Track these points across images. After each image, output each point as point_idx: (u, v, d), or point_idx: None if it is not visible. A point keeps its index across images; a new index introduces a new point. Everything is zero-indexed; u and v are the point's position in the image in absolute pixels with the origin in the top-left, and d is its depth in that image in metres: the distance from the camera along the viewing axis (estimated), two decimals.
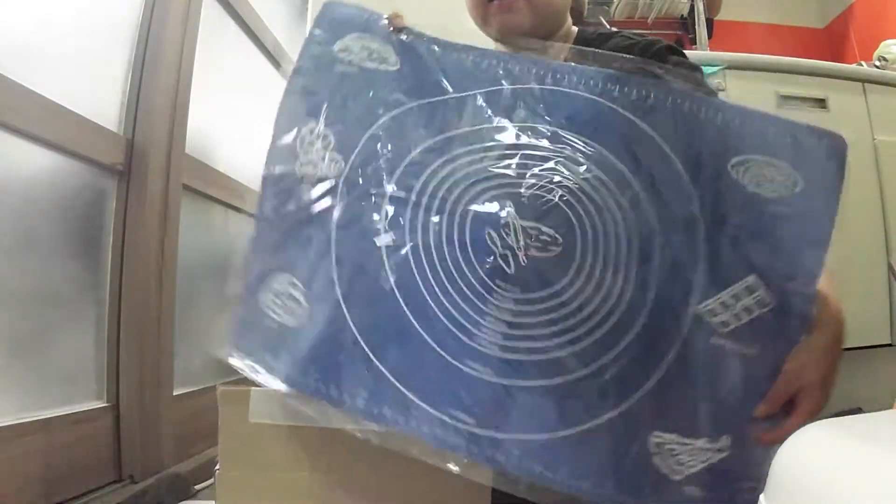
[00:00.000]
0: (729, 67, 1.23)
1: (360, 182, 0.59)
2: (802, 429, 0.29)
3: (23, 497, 0.75)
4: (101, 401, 0.94)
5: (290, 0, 1.82)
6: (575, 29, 0.78)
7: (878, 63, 1.52)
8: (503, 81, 0.61)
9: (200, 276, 1.27)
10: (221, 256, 1.40)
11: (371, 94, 0.63)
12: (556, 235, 0.54)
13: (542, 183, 0.55)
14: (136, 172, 1.02)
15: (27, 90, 0.80)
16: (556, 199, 0.55)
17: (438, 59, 0.64)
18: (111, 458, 0.93)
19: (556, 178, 0.55)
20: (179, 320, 1.12)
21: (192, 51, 1.19)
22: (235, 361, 0.59)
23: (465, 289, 0.54)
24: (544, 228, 0.54)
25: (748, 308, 0.51)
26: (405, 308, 0.55)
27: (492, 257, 0.54)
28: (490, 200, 0.56)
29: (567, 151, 0.57)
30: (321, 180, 0.60)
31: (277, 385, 0.56)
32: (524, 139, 0.58)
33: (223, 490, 0.57)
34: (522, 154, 0.57)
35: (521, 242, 0.54)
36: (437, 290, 0.55)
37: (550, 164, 0.56)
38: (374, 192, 0.59)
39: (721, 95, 0.79)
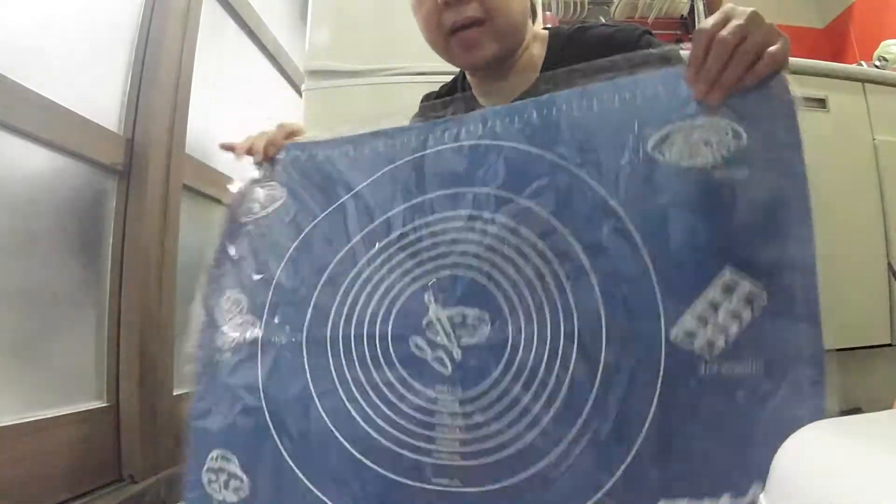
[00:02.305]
0: None
1: (274, 339, 0.57)
2: (802, 429, 0.29)
3: (23, 497, 0.75)
4: (101, 401, 0.94)
5: (290, 0, 1.82)
6: (544, 32, 0.74)
7: (878, 63, 1.52)
8: (381, 167, 0.58)
9: (200, 277, 1.27)
10: None
11: (269, 240, 0.62)
12: (481, 312, 0.49)
13: (449, 261, 0.52)
14: (136, 172, 1.02)
15: (27, 90, 0.80)
16: (467, 272, 0.51)
17: (320, 166, 0.62)
18: (111, 458, 0.93)
19: (460, 249, 0.52)
20: (179, 320, 1.12)
21: (192, 51, 1.19)
22: None
23: (408, 410, 0.50)
24: (467, 311, 0.50)
25: (734, 313, 0.40)
26: (353, 452, 0.51)
27: (424, 367, 0.50)
28: (402, 308, 0.52)
29: (462, 212, 0.52)
30: (238, 345, 0.59)
31: None
32: (412, 223, 0.54)
33: None
34: (413, 239, 0.54)
35: (451, 336, 0.50)
36: (380, 422, 0.51)
37: (449, 236, 0.52)
38: (290, 342, 0.56)
39: None
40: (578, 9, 1.82)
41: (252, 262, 0.62)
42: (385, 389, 0.51)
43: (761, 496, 0.29)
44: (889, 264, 1.18)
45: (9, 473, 0.73)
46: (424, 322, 0.51)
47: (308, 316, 0.56)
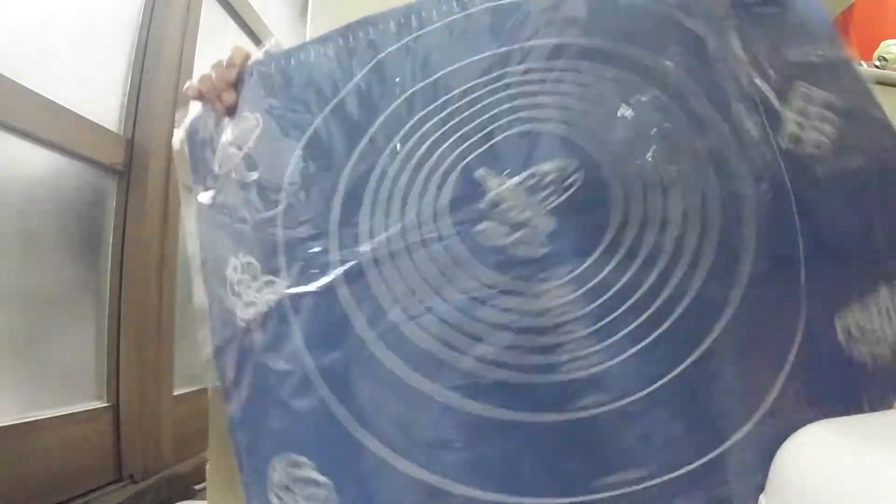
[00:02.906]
0: None
1: (302, 286, 0.45)
2: (802, 428, 0.29)
3: (23, 497, 0.75)
4: (101, 401, 0.94)
5: (290, 0, 1.82)
6: None
7: (878, 63, 1.52)
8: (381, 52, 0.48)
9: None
10: None
11: (261, 177, 0.50)
12: (564, 160, 0.39)
13: (500, 122, 0.41)
14: (136, 172, 1.02)
15: (27, 90, 0.80)
16: (531, 125, 0.40)
17: (297, 70, 0.51)
18: (111, 458, 0.93)
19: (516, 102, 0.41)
20: (179, 320, 1.12)
21: (192, 51, 1.19)
22: None
23: (510, 319, 0.38)
24: (545, 167, 0.39)
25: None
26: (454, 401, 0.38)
27: (502, 255, 0.39)
28: (455, 196, 0.41)
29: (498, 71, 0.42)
30: (265, 317, 0.46)
31: None
32: (435, 100, 0.44)
33: (213, 481, 0.56)
34: (449, 111, 0.43)
35: (530, 201, 0.39)
36: (482, 349, 0.38)
37: (496, 96, 0.42)
38: (321, 286, 0.44)
39: None
40: None
41: (248, 212, 0.49)
42: (472, 309, 0.39)
43: (761, 497, 0.29)
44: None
45: (9, 473, 0.73)
46: (485, 203, 0.40)
47: (337, 241, 0.44)
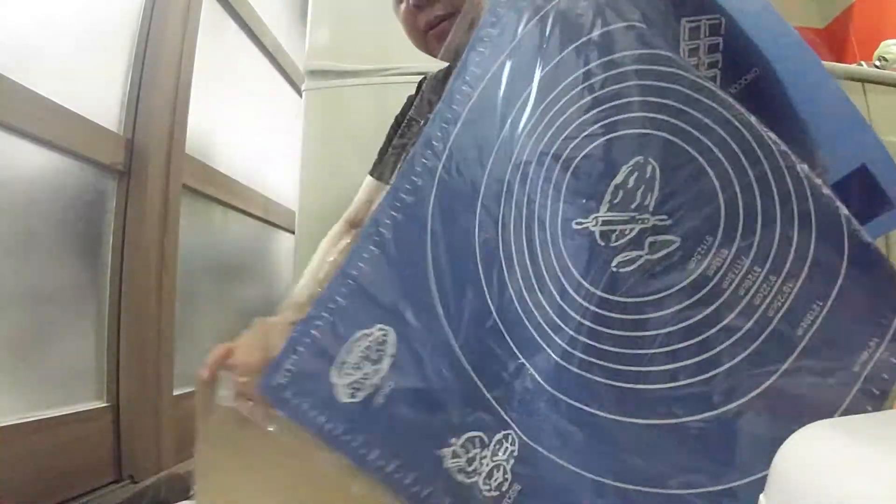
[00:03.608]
0: None
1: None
2: (802, 428, 0.29)
3: (23, 497, 0.75)
4: (101, 401, 0.94)
5: (290, 0, 1.82)
6: None
7: (878, 63, 1.52)
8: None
9: (200, 277, 1.27)
10: (221, 256, 1.40)
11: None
12: (640, 158, 0.38)
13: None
14: (136, 172, 1.02)
15: (27, 90, 0.80)
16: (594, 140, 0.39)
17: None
18: (111, 458, 0.93)
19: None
20: (179, 320, 1.12)
21: (192, 51, 1.19)
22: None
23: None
24: (625, 168, 0.39)
25: None
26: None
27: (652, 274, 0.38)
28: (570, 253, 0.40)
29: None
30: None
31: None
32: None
33: (201, 471, 0.55)
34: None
35: (634, 215, 0.38)
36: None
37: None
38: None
39: None
40: None
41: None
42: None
43: (761, 497, 0.29)
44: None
45: (9, 473, 0.73)
46: (591, 243, 0.39)
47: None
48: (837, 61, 1.48)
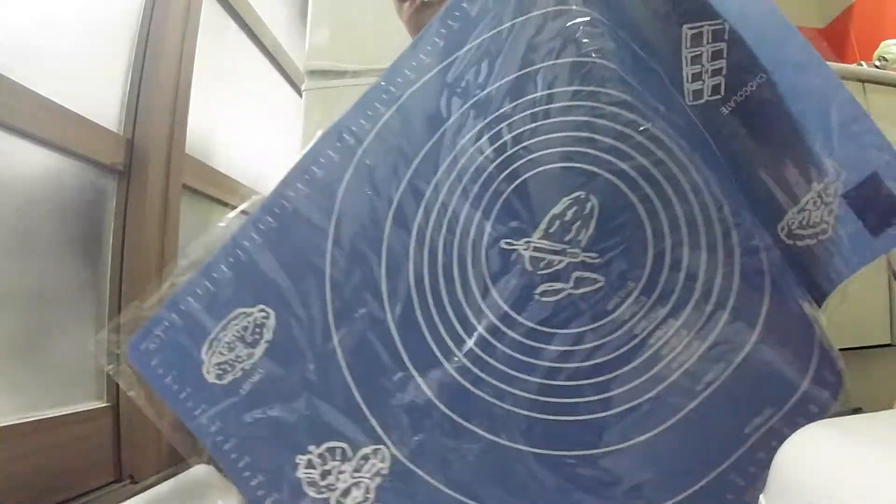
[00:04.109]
0: None
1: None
2: (802, 428, 0.29)
3: (23, 497, 0.75)
4: (101, 401, 0.94)
5: (290, 0, 1.82)
6: None
7: (878, 63, 1.52)
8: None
9: None
10: None
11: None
12: (579, 193, 0.38)
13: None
14: (136, 172, 1.02)
15: (27, 90, 0.80)
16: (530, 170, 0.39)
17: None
18: (111, 458, 0.93)
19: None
20: None
21: (192, 51, 1.19)
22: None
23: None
24: (562, 202, 0.39)
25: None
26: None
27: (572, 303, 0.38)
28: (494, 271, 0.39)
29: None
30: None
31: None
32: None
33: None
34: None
35: (566, 247, 0.39)
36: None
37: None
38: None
39: None
40: None
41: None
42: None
43: (761, 497, 0.29)
44: (889, 264, 1.18)
45: (9, 473, 0.73)
46: (519, 267, 0.39)
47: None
48: (837, 61, 1.47)
